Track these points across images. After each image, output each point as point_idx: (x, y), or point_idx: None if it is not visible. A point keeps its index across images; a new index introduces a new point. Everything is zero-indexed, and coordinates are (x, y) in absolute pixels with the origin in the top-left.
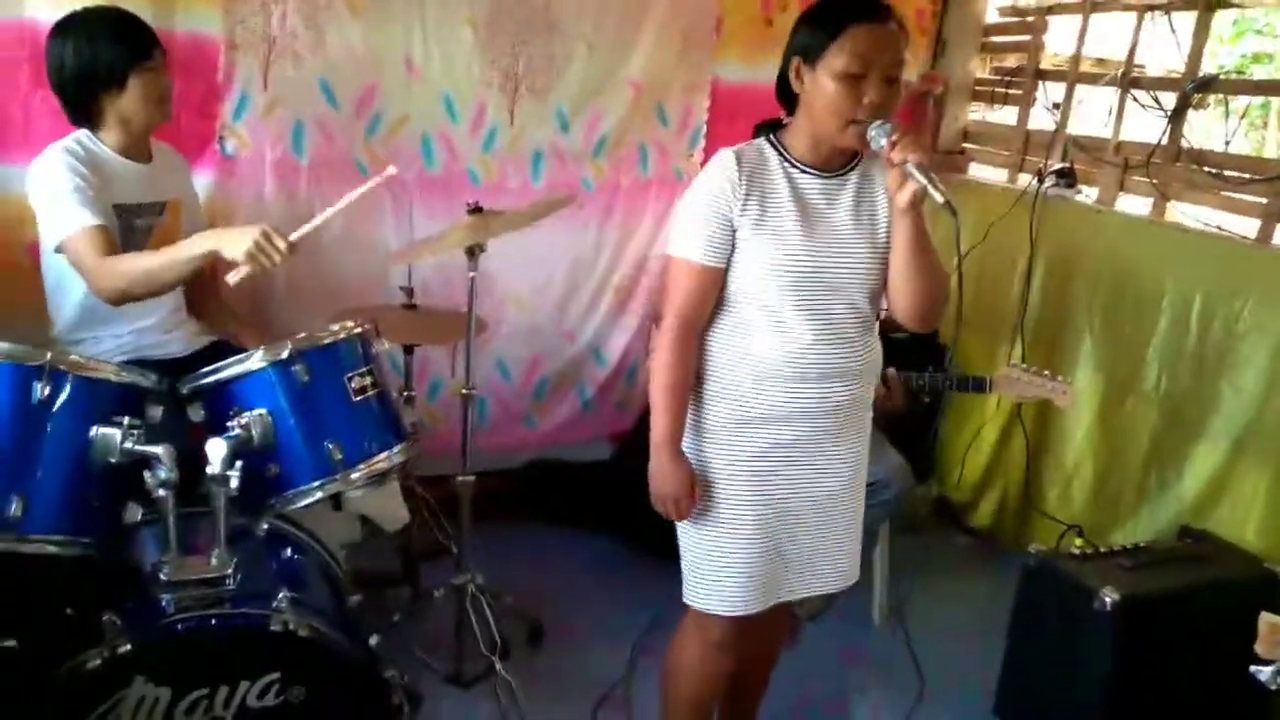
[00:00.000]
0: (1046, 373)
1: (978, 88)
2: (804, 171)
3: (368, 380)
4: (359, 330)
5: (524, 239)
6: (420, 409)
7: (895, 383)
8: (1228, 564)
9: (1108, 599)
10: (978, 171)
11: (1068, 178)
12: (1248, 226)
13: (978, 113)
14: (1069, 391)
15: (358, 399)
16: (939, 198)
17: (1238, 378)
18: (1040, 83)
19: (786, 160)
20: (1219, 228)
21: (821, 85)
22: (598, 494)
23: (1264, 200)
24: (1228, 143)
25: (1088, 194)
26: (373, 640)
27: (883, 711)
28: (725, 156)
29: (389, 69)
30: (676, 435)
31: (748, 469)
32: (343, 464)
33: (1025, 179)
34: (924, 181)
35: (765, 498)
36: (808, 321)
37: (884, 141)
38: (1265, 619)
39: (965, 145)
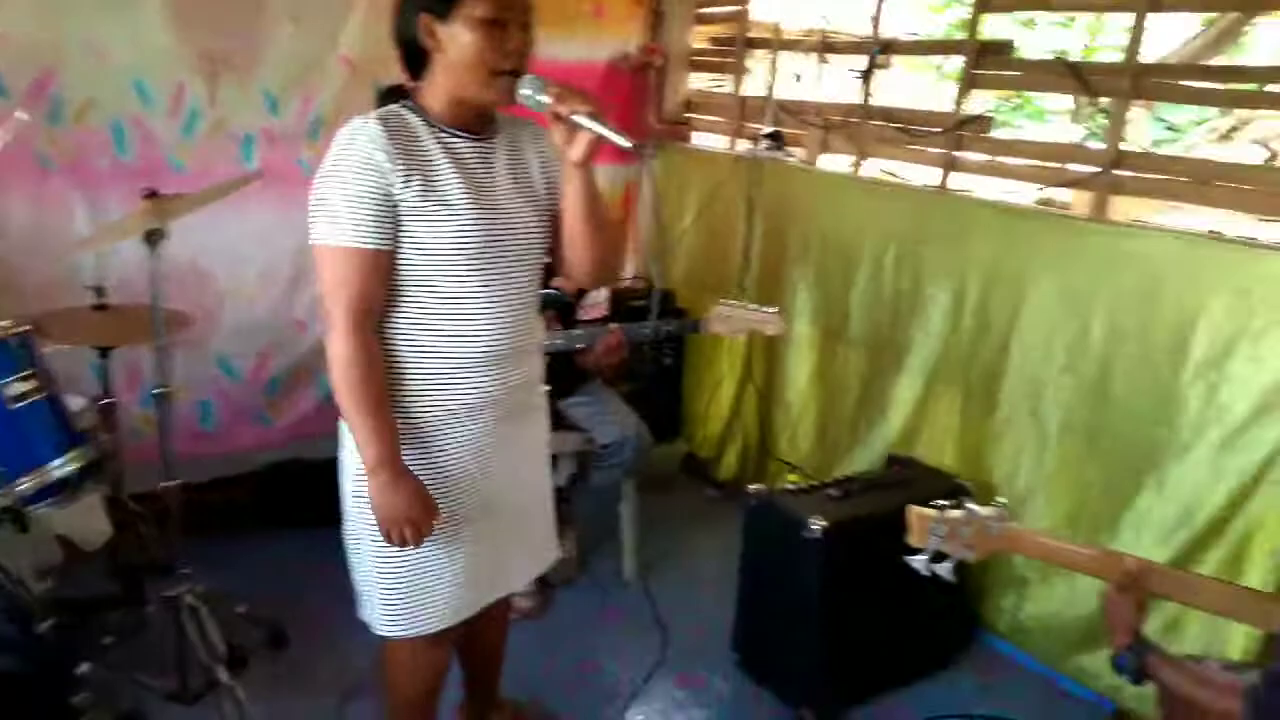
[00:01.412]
0: (754, 305)
1: (696, 58)
2: (454, 135)
3: (30, 385)
4: (16, 331)
5: (240, 228)
6: (133, 416)
7: (620, 337)
8: (926, 485)
9: (816, 527)
10: (701, 139)
11: (777, 140)
12: (934, 176)
13: (721, 84)
14: (777, 319)
15: (17, 405)
16: (621, 141)
17: (926, 313)
18: (750, 51)
19: (431, 125)
20: (895, 176)
21: (459, 38)
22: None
23: (940, 150)
24: (910, 101)
25: (800, 155)
26: (83, 667)
27: (635, 665)
28: (368, 127)
29: (68, 52)
30: (394, 448)
31: (449, 471)
32: (4, 477)
33: (744, 144)
34: (600, 129)
35: (466, 501)
36: (488, 298)
37: (540, 98)
38: (912, 510)
39: (688, 115)
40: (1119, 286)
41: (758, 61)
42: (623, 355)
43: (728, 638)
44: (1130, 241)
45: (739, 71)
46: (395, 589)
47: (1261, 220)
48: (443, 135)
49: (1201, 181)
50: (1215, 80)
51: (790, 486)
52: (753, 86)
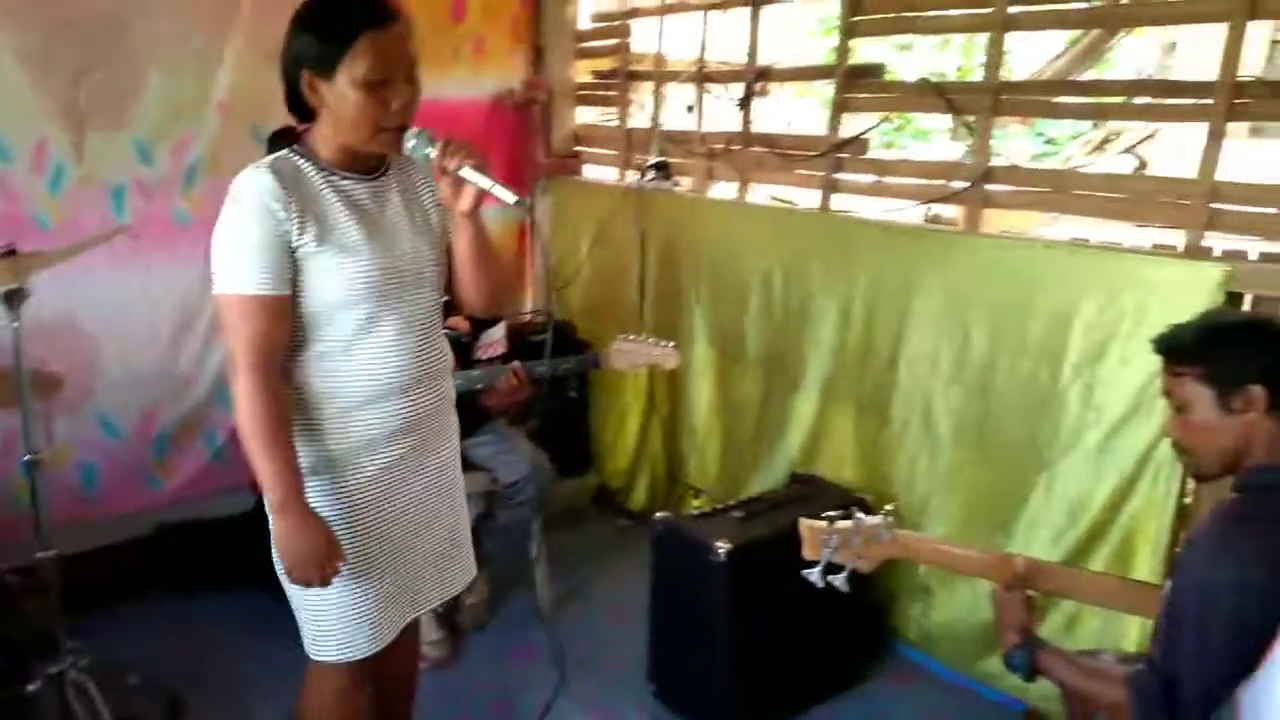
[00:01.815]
0: (651, 340)
1: (581, 92)
2: (345, 177)
3: None
4: None
5: (118, 283)
6: (10, 484)
7: (522, 374)
8: (826, 499)
9: (721, 550)
10: (592, 172)
11: (664, 171)
12: (813, 198)
13: (609, 117)
14: (674, 353)
15: None
16: (508, 197)
17: (817, 333)
18: (634, 84)
19: (323, 169)
20: (791, 203)
21: (344, 95)
22: (240, 549)
23: (821, 173)
24: (789, 124)
25: (687, 184)
26: None
27: (555, 697)
28: (260, 177)
29: None
30: (298, 490)
31: (360, 501)
32: None
33: (633, 176)
34: (486, 184)
35: (381, 526)
36: (394, 330)
37: (428, 151)
38: (803, 524)
39: (577, 148)
40: (996, 296)
41: (644, 94)
42: (525, 394)
43: (642, 666)
44: (1002, 252)
45: (623, 104)
46: (323, 615)
47: (1139, 226)
48: (334, 179)
49: (1064, 191)
50: (1071, 94)
51: (695, 511)
52: (642, 118)
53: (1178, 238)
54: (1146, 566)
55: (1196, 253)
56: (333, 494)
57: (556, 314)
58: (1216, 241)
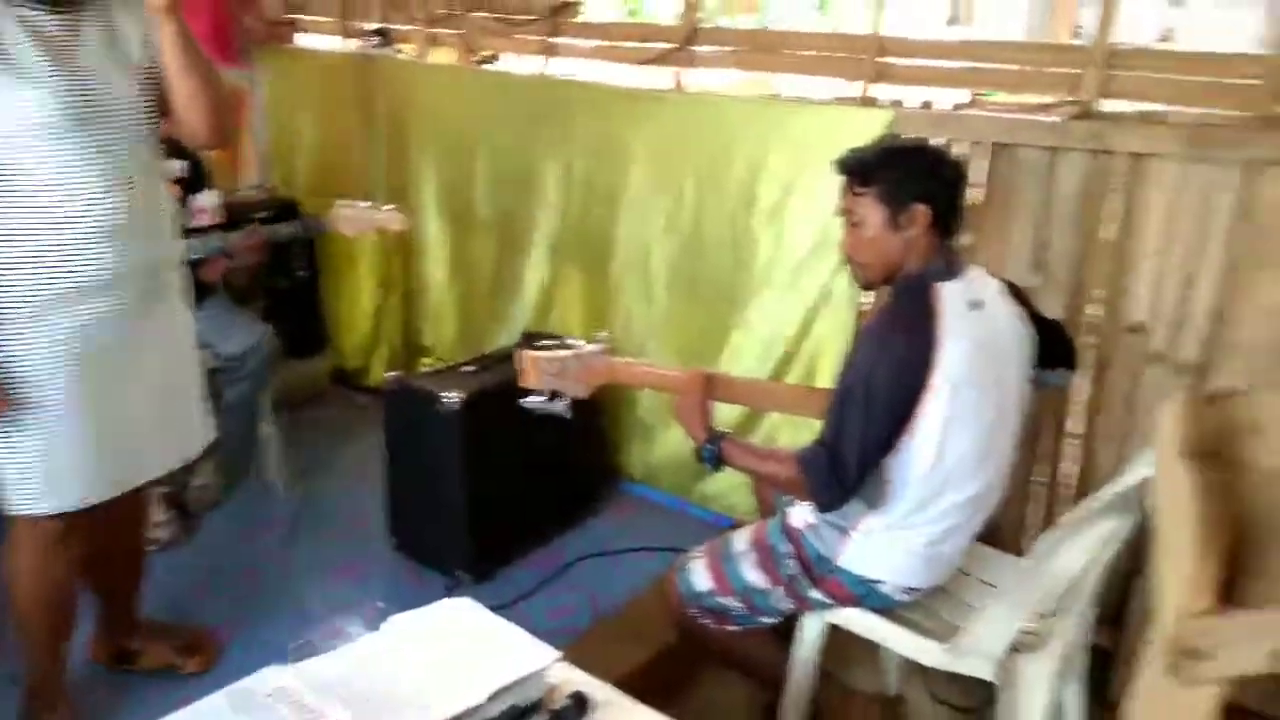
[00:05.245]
0: (373, 204)
1: None
2: (32, 8)
3: None
4: None
5: None
6: None
7: (258, 235)
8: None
9: (453, 399)
10: (308, 40)
11: (384, 37)
12: (534, 63)
13: None
14: (398, 215)
15: None
16: None
17: (543, 195)
18: None
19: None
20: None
21: None
22: None
23: (539, 37)
24: None
25: (409, 51)
26: None
27: (295, 563)
28: None
29: None
30: None
31: (57, 350)
32: None
33: (354, 43)
34: None
35: (82, 379)
36: (87, 171)
37: None
38: (523, 354)
39: (291, 15)
40: (701, 150)
41: None
42: (262, 256)
43: (385, 528)
44: (705, 108)
45: None
46: (20, 462)
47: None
48: (18, 8)
49: (765, 50)
50: None
51: (426, 369)
52: None
53: (856, 91)
54: (826, 383)
55: (867, 102)
56: (20, 340)
57: (279, 191)
58: (885, 92)
